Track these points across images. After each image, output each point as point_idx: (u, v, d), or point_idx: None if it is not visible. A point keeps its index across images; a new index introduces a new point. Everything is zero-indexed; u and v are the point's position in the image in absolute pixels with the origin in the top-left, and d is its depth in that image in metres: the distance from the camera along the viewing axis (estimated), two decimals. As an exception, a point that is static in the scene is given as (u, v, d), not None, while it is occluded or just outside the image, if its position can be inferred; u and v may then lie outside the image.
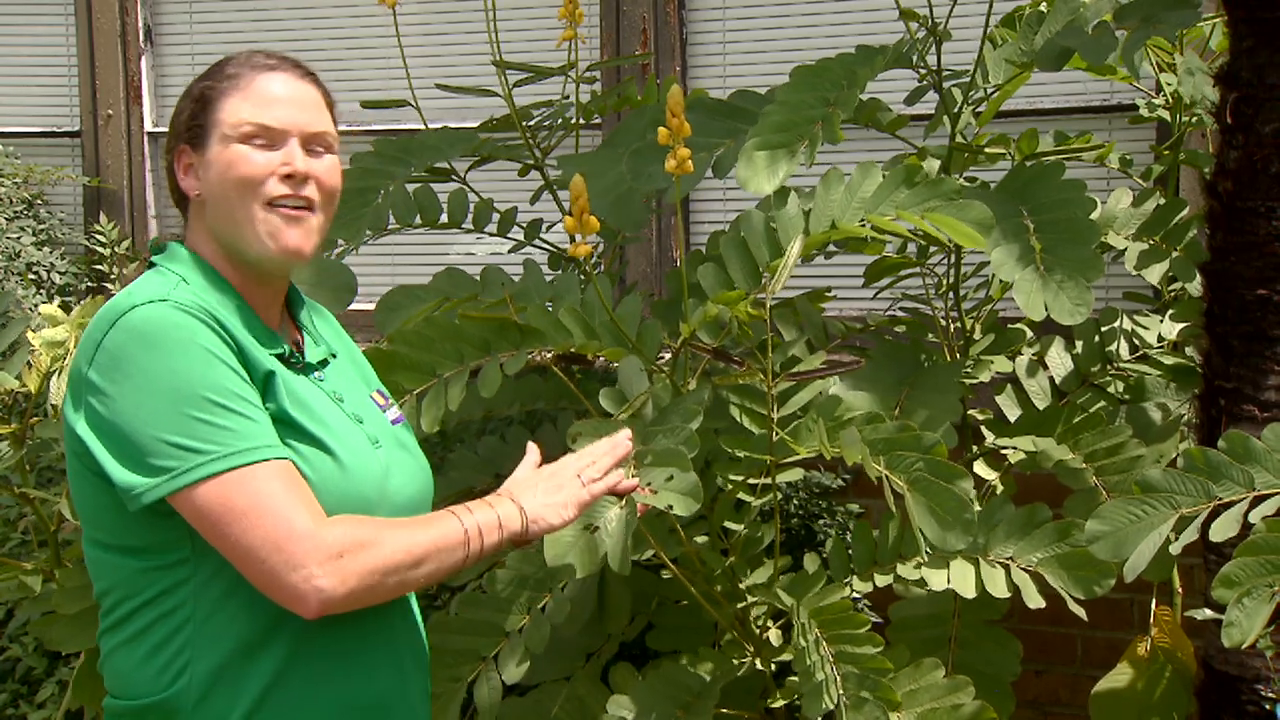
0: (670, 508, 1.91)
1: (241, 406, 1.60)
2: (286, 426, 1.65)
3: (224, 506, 1.57)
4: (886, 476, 2.10)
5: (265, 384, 1.66)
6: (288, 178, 1.70)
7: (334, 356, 1.85)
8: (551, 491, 1.80)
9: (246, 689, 1.63)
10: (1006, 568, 2.38)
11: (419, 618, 1.85)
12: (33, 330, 2.66)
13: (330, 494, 1.65)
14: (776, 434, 2.28)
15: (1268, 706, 2.41)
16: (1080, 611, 2.33)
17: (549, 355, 2.42)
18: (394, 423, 1.85)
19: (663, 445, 2.05)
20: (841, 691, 2.14)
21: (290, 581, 1.56)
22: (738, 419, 2.45)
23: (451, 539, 1.68)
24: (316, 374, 1.78)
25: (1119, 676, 2.77)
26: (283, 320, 1.81)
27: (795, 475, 2.64)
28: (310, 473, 1.65)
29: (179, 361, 1.58)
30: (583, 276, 2.77)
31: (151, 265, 1.75)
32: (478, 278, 2.67)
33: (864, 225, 2.35)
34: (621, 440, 1.91)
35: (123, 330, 1.60)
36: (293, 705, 1.65)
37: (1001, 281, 2.81)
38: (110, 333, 1.61)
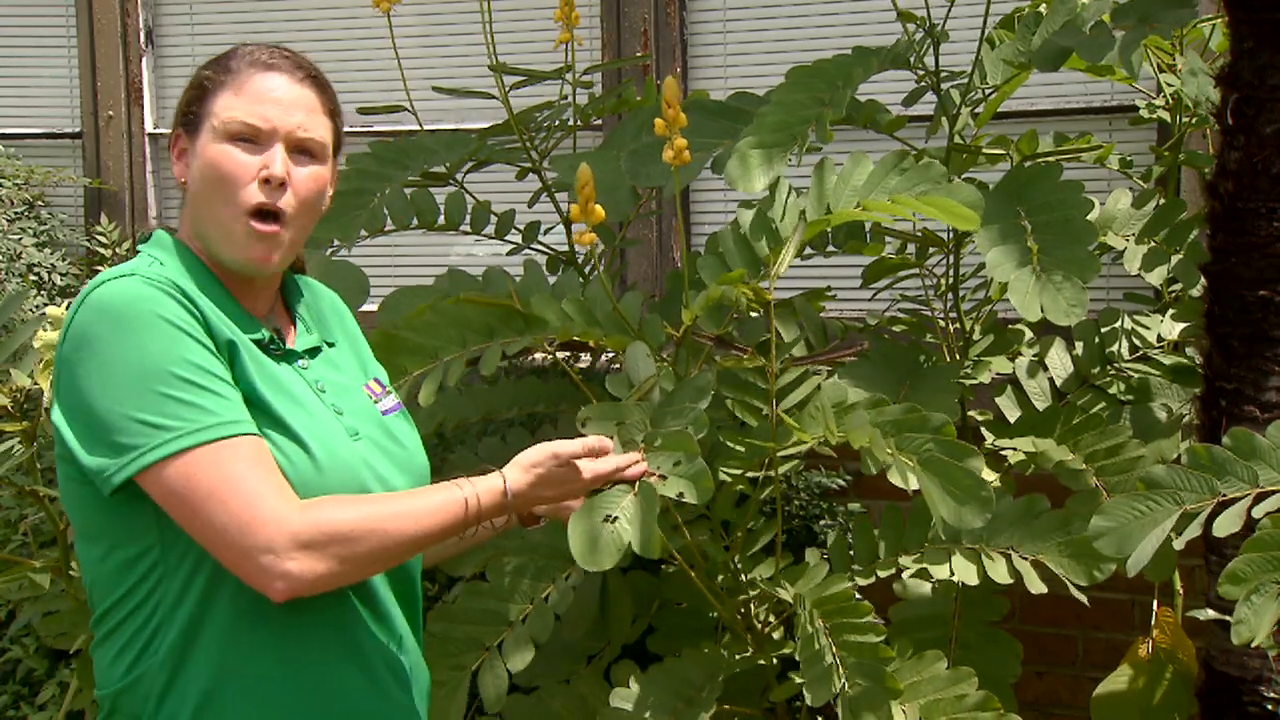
0: (681, 495, 1.88)
1: (210, 382, 1.59)
2: (256, 410, 1.63)
3: (191, 484, 1.54)
4: (897, 458, 2.06)
5: (230, 355, 1.64)
6: (264, 182, 1.69)
7: (330, 345, 1.84)
8: (553, 484, 1.79)
9: (195, 683, 1.61)
10: (1008, 557, 2.37)
11: (412, 640, 1.81)
12: (44, 331, 2.65)
13: (300, 483, 1.62)
14: (779, 418, 2.27)
15: (1270, 707, 2.40)
16: (1082, 598, 2.33)
17: (553, 345, 2.42)
18: (386, 413, 1.83)
19: (670, 428, 2.02)
20: (844, 679, 2.13)
21: (259, 565, 1.54)
22: (733, 412, 2.45)
23: (446, 506, 1.67)
24: (300, 362, 1.76)
25: (1120, 678, 2.76)
26: (273, 310, 1.79)
27: (794, 465, 2.62)
28: (280, 459, 1.62)
29: (145, 337, 1.56)
30: (582, 279, 2.77)
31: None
32: (480, 279, 2.67)
33: (859, 209, 2.36)
34: (633, 464, 1.89)
35: (90, 308, 1.59)
36: (243, 706, 1.62)
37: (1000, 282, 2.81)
38: (80, 311, 1.60)
